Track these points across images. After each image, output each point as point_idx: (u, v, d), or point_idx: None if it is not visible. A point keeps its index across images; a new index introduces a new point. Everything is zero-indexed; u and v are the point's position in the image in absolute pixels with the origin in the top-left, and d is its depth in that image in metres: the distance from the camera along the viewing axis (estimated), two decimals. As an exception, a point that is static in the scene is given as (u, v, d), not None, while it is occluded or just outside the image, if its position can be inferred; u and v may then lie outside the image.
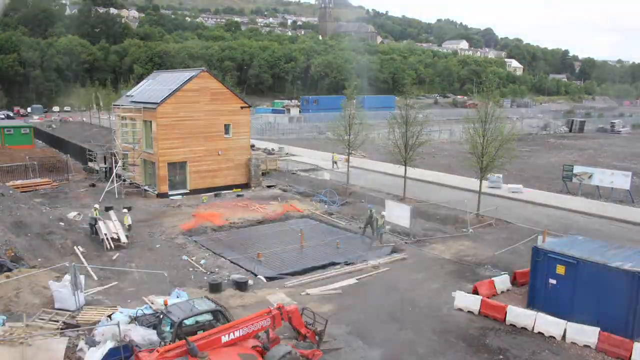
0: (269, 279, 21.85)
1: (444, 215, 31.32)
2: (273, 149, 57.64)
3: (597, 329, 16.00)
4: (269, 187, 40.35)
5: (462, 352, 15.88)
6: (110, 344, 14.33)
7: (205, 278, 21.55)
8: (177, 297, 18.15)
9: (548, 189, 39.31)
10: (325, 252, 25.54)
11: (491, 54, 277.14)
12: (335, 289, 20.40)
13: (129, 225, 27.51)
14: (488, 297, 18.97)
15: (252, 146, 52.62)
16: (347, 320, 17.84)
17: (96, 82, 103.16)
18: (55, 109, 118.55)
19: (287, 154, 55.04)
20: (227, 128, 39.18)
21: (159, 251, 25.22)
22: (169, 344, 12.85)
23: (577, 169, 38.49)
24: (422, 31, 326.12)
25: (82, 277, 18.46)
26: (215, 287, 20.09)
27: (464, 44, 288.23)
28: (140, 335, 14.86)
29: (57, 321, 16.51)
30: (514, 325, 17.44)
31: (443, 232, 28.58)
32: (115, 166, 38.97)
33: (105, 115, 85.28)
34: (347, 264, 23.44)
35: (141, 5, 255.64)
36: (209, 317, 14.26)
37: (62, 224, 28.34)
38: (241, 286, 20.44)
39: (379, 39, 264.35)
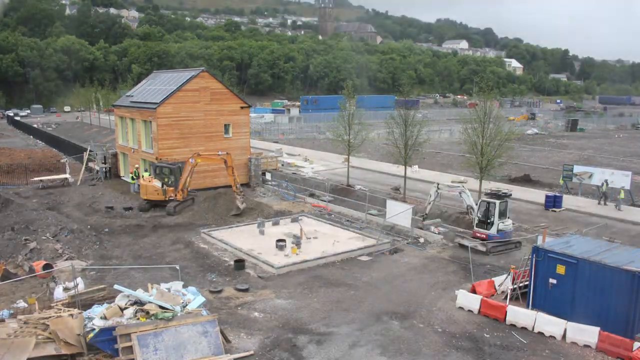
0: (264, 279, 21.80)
1: (444, 215, 31.29)
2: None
3: (597, 329, 15.99)
4: (269, 184, 40.32)
5: (462, 351, 15.88)
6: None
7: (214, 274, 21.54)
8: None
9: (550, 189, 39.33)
10: (324, 248, 25.48)
11: (491, 54, 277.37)
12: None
13: None
14: (487, 297, 18.96)
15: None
16: (347, 318, 17.85)
17: (95, 82, 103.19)
18: (52, 109, 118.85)
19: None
20: (227, 128, 39.19)
21: (158, 250, 25.23)
22: None
23: (577, 169, 38.48)
24: (422, 31, 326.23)
25: (80, 279, 18.54)
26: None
27: (464, 44, 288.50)
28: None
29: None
30: (514, 325, 17.43)
31: (443, 231, 28.55)
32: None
33: (105, 115, 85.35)
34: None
35: (141, 5, 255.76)
36: None
37: (65, 225, 28.29)
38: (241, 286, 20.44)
39: (379, 39, 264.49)
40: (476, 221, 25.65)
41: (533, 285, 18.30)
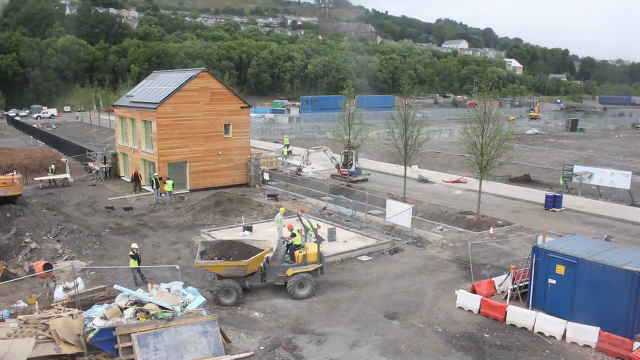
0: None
1: (444, 215, 31.32)
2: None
3: (597, 329, 16.00)
4: (268, 184, 40.37)
5: (462, 351, 15.88)
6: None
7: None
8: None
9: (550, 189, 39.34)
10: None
11: (491, 54, 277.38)
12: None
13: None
14: (487, 297, 18.96)
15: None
16: (347, 318, 17.85)
17: (95, 82, 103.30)
18: (52, 110, 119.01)
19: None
20: (227, 128, 39.21)
21: (158, 250, 25.23)
22: None
23: (577, 169, 38.46)
24: (422, 31, 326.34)
25: (80, 279, 18.54)
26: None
27: (464, 44, 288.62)
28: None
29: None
30: (514, 325, 17.44)
31: (443, 231, 28.58)
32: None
33: (105, 115, 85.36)
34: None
35: (141, 5, 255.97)
36: None
37: (65, 225, 28.33)
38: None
39: (379, 39, 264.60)
40: (341, 165, 40.96)
41: (533, 285, 18.30)
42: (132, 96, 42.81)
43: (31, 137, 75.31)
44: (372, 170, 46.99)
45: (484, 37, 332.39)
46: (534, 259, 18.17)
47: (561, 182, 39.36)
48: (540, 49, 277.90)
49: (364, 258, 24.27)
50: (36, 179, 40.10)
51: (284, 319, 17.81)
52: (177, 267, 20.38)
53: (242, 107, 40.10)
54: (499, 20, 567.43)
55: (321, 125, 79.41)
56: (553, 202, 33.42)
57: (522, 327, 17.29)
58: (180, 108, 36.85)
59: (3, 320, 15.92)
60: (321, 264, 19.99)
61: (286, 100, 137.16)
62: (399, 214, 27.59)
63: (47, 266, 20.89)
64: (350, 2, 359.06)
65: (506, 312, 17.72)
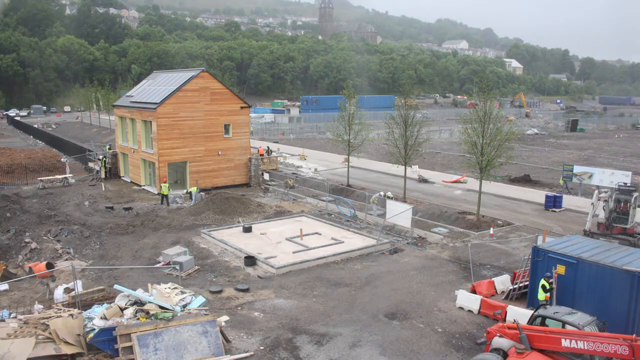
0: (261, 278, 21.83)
1: (445, 215, 31.33)
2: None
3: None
4: (268, 185, 40.37)
5: (462, 351, 15.88)
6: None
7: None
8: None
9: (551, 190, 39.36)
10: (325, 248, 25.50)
11: (491, 54, 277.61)
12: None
13: None
14: (487, 297, 18.96)
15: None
16: (347, 318, 17.85)
17: (95, 82, 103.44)
18: (52, 109, 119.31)
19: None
20: (227, 128, 39.23)
21: (159, 250, 25.23)
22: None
23: (577, 169, 38.47)
24: (422, 31, 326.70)
25: (79, 281, 18.54)
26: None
27: (464, 44, 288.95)
28: None
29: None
30: (514, 325, 17.41)
31: (443, 231, 28.58)
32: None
33: (105, 115, 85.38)
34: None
35: (141, 5, 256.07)
36: None
37: (65, 225, 28.30)
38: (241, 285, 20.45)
39: (379, 39, 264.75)
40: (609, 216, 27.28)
41: (533, 286, 18.29)
42: (132, 96, 42.82)
43: (31, 137, 75.33)
44: (373, 170, 47.07)
45: (484, 37, 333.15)
46: (533, 259, 18.17)
47: (561, 182, 39.38)
48: (540, 49, 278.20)
49: (364, 258, 24.17)
50: (41, 178, 40.02)
51: (284, 319, 17.81)
52: (177, 267, 20.40)
53: (242, 107, 40.12)
54: (499, 20, 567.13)
55: (321, 126, 79.45)
56: (553, 203, 33.43)
57: (522, 327, 17.26)
58: (181, 108, 36.86)
59: (3, 320, 15.90)
60: None
61: (286, 101, 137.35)
62: (399, 214, 27.60)
63: (48, 266, 20.92)
64: (350, 2, 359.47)
65: (506, 312, 17.71)
